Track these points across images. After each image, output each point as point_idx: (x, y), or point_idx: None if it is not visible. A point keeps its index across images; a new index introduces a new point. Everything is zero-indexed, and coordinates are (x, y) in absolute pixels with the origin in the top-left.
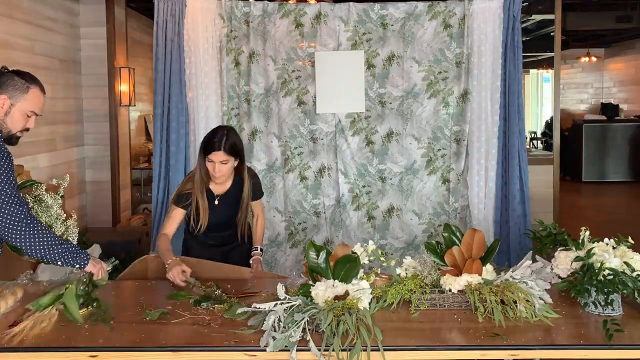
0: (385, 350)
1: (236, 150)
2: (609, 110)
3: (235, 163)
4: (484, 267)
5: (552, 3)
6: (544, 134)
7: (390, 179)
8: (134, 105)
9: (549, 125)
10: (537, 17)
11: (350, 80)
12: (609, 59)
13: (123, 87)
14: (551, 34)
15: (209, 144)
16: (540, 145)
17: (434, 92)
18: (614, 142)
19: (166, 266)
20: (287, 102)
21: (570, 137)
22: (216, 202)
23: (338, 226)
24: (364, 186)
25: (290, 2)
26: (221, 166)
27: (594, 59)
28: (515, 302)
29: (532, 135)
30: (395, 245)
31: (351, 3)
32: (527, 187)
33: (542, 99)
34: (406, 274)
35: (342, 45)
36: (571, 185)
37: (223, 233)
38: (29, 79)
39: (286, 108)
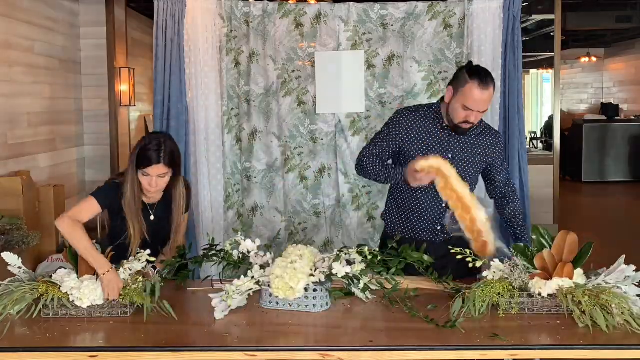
0: (385, 350)
1: (176, 162)
2: (609, 110)
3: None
4: (574, 271)
5: (552, 3)
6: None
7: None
8: (134, 105)
9: (548, 125)
10: (537, 17)
11: (350, 80)
12: (609, 59)
13: (123, 87)
14: (551, 34)
15: (145, 156)
16: (540, 145)
17: (434, 92)
18: (614, 142)
19: (103, 274)
20: (287, 102)
21: (570, 137)
22: (152, 218)
23: (338, 226)
24: (364, 186)
25: (290, 2)
26: (159, 180)
27: (594, 59)
28: (611, 306)
29: (532, 135)
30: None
31: (351, 3)
32: (527, 187)
33: (542, 99)
34: (493, 276)
35: (342, 45)
36: (571, 185)
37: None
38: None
39: (286, 108)
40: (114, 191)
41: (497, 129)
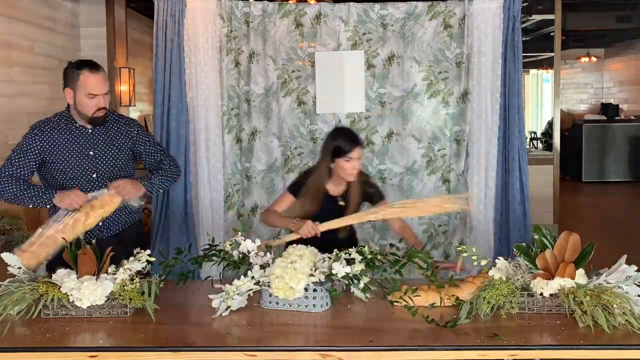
0: (385, 350)
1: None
2: (609, 110)
3: None
4: (577, 271)
5: (552, 3)
6: (544, 134)
7: (391, 179)
8: (134, 105)
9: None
10: (537, 17)
11: (350, 80)
12: (609, 59)
13: (123, 87)
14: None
15: (347, 141)
16: (540, 145)
17: (434, 92)
18: (614, 142)
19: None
20: (287, 102)
21: (570, 137)
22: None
23: None
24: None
25: (290, 2)
26: (359, 162)
27: (594, 59)
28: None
29: (532, 135)
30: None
31: (351, 3)
32: (527, 187)
33: (542, 99)
34: (500, 277)
35: (342, 45)
36: (571, 185)
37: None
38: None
39: (286, 108)
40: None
41: (497, 129)
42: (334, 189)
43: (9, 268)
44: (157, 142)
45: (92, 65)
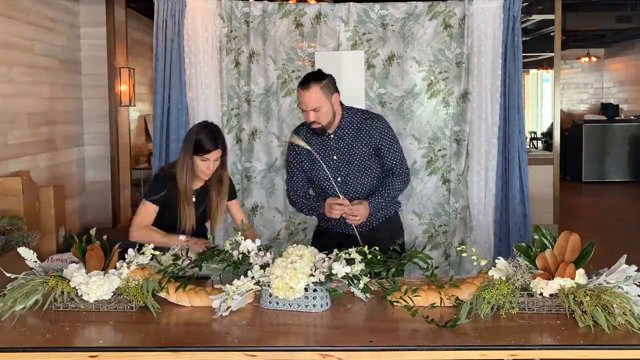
0: (385, 350)
1: (225, 146)
2: (609, 110)
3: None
4: (577, 271)
5: (552, 3)
6: (544, 134)
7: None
8: (134, 105)
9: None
10: (537, 17)
11: (350, 80)
12: (609, 59)
13: (123, 87)
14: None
15: (204, 142)
16: (540, 145)
17: (434, 92)
18: (614, 142)
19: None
20: (287, 102)
21: (570, 137)
22: (193, 199)
23: None
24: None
25: (290, 2)
26: (215, 163)
27: (594, 59)
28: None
29: (532, 135)
30: None
31: (351, 3)
32: (527, 187)
33: (542, 99)
34: (500, 277)
35: (342, 46)
36: (571, 185)
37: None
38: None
39: (286, 108)
40: (164, 183)
41: (497, 129)
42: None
43: (26, 262)
44: (398, 148)
45: (304, 81)
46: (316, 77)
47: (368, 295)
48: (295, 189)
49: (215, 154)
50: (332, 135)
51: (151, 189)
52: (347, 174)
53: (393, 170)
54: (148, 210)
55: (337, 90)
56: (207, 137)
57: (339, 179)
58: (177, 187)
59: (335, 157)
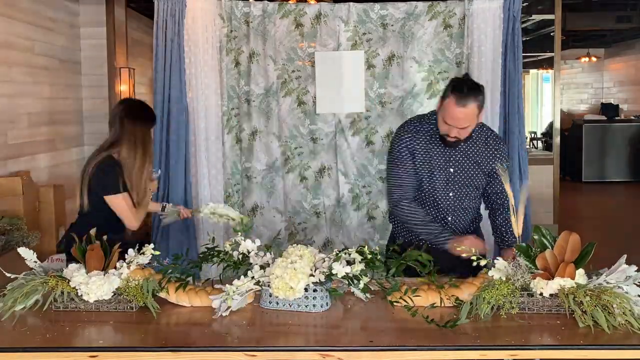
0: (385, 350)
1: None
2: (609, 110)
3: None
4: (577, 271)
5: (552, 3)
6: (544, 134)
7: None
8: None
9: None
10: (537, 17)
11: (350, 80)
12: (609, 59)
13: (123, 87)
14: (551, 34)
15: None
16: (540, 145)
17: (434, 92)
18: (614, 142)
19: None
20: (287, 102)
21: (570, 137)
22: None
23: (338, 226)
24: (364, 186)
25: (290, 2)
26: None
27: (594, 59)
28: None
29: (532, 135)
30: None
31: (351, 3)
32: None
33: (542, 99)
34: (500, 277)
35: (342, 45)
36: (571, 185)
37: None
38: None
39: (286, 108)
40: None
41: (497, 129)
42: None
43: (26, 262)
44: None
45: (461, 95)
46: (475, 91)
47: (368, 295)
48: (407, 194)
49: None
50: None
51: (111, 183)
52: (460, 189)
53: (500, 195)
54: (127, 199)
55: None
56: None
57: (450, 194)
58: (123, 172)
59: (452, 170)
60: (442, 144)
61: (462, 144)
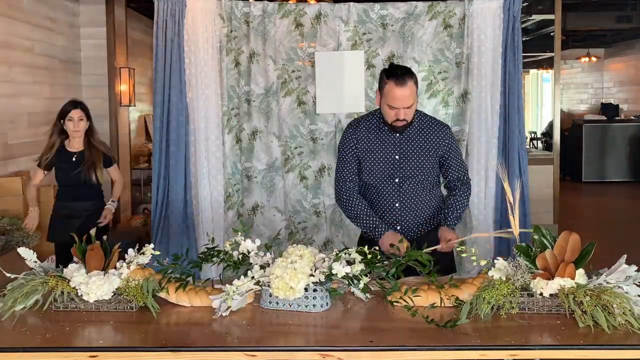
0: (385, 350)
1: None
2: (609, 110)
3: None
4: (577, 271)
5: (552, 3)
6: (544, 134)
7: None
8: (134, 105)
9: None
10: (537, 17)
11: (350, 80)
12: (609, 59)
13: (123, 87)
14: (551, 34)
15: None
16: (540, 145)
17: (434, 92)
18: (614, 142)
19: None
20: (287, 102)
21: (570, 137)
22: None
23: (338, 226)
24: None
25: (290, 2)
26: (80, 122)
27: (594, 59)
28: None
29: (532, 135)
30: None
31: (351, 3)
32: (527, 187)
33: (542, 99)
34: (500, 277)
35: (342, 45)
36: (571, 185)
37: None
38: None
39: (286, 108)
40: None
41: (497, 129)
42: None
43: (26, 262)
44: (462, 159)
45: (398, 77)
46: (409, 71)
47: (368, 295)
48: (347, 187)
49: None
50: (397, 134)
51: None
52: (406, 176)
53: (460, 180)
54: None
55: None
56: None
57: (396, 180)
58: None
59: (397, 157)
60: (387, 133)
61: (408, 128)
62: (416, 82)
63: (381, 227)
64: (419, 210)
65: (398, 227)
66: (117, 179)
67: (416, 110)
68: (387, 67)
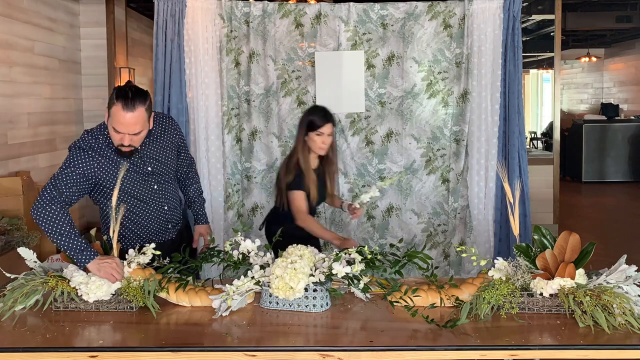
0: (385, 350)
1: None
2: (609, 110)
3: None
4: (577, 271)
5: (552, 3)
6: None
7: (390, 178)
8: None
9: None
10: (537, 17)
11: (350, 80)
12: (609, 59)
13: None
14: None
15: (318, 119)
16: (540, 145)
17: (434, 92)
18: (614, 142)
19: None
20: (287, 102)
21: (570, 137)
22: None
23: (338, 226)
24: (363, 186)
25: (290, 2)
26: (330, 138)
27: (594, 59)
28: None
29: (532, 135)
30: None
31: (351, 3)
32: (527, 187)
33: (542, 99)
34: (500, 277)
35: (342, 45)
36: (571, 185)
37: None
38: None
39: (286, 108)
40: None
41: (497, 129)
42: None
43: (26, 262)
44: (186, 148)
45: (127, 100)
46: (141, 96)
47: (368, 295)
48: (60, 209)
49: (328, 128)
50: (139, 147)
51: (296, 181)
52: (162, 179)
53: (192, 166)
54: (301, 198)
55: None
56: (319, 113)
57: (155, 187)
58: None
59: (149, 169)
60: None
61: (138, 151)
62: (148, 108)
63: (89, 251)
64: (178, 204)
65: (169, 226)
66: None
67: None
68: (116, 88)
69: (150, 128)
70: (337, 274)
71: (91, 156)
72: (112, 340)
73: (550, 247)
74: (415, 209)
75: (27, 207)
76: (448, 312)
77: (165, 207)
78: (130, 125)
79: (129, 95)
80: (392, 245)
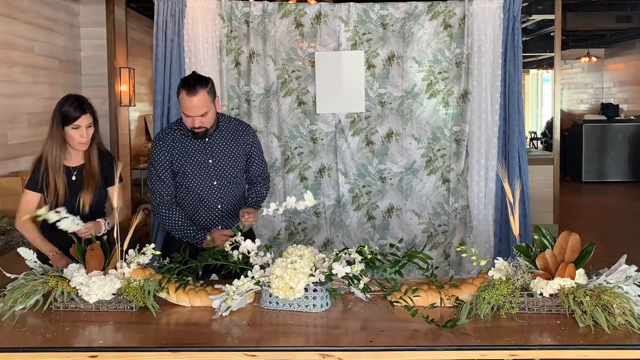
0: (385, 350)
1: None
2: (609, 110)
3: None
4: (577, 271)
5: (552, 3)
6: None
7: (390, 179)
8: (134, 105)
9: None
10: (537, 17)
11: (350, 80)
12: (609, 59)
13: (123, 87)
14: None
15: (71, 110)
16: (540, 145)
17: (434, 92)
18: (614, 142)
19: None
20: (287, 102)
21: (570, 137)
22: (73, 178)
23: (338, 226)
24: (363, 186)
25: (290, 2)
26: (88, 130)
27: (594, 59)
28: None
29: (532, 135)
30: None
31: (351, 3)
32: (527, 187)
33: (542, 99)
34: (500, 277)
35: (342, 45)
36: (571, 185)
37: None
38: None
39: (286, 108)
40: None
41: (497, 129)
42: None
43: (26, 262)
44: (263, 156)
45: (189, 86)
46: (201, 81)
47: (368, 295)
48: (165, 201)
49: (85, 119)
50: (207, 139)
51: (30, 177)
52: (222, 177)
53: (261, 176)
54: (28, 200)
55: (216, 94)
56: (73, 105)
57: (214, 183)
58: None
59: (210, 161)
60: (197, 140)
61: (212, 133)
62: (210, 91)
63: (200, 234)
64: (236, 208)
65: (219, 227)
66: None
67: (221, 114)
68: (182, 79)
69: (218, 111)
70: (337, 274)
71: (167, 141)
72: (112, 340)
73: (550, 247)
74: (416, 209)
75: None
76: (448, 312)
77: (219, 206)
78: (195, 108)
79: (190, 82)
80: (392, 246)
